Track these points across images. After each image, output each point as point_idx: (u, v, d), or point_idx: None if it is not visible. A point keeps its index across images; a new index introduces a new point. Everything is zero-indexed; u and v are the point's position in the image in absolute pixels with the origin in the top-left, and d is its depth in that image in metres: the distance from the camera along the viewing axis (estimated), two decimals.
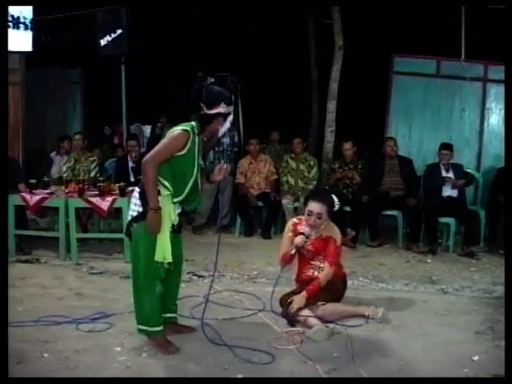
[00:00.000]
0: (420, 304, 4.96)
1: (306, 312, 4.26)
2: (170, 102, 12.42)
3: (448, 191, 7.28)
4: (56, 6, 8.77)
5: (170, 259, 3.76)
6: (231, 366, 3.57)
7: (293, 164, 8.25)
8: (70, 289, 5.23)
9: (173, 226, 3.83)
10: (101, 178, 7.06)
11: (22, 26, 8.37)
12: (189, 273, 5.72)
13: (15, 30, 8.29)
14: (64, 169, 8.06)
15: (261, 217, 8.36)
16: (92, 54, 9.02)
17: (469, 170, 7.77)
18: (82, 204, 6.44)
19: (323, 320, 4.26)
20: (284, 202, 7.88)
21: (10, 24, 8.19)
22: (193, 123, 3.82)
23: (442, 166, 7.34)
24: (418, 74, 8.63)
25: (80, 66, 10.83)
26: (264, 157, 8.52)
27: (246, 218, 8.10)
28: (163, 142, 3.75)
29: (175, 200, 3.79)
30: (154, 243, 3.72)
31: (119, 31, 8.67)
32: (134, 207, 3.81)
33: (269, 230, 7.90)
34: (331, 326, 4.20)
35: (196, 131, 3.81)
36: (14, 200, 6.40)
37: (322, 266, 4.53)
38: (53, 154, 9.07)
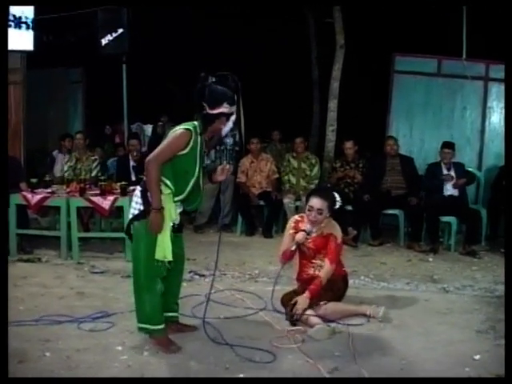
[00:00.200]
0: (421, 303, 4.95)
1: (308, 312, 4.26)
2: (171, 101, 12.45)
3: (449, 190, 7.28)
4: (57, 6, 8.78)
5: (170, 258, 3.77)
6: (233, 365, 3.57)
7: (294, 163, 8.25)
8: (71, 288, 5.24)
9: (174, 225, 3.83)
10: (102, 178, 7.06)
11: (23, 25, 8.38)
12: (190, 272, 5.72)
13: (17, 30, 8.30)
14: (65, 168, 8.06)
15: (262, 216, 8.35)
16: (93, 53, 9.03)
17: (470, 169, 7.77)
18: (83, 203, 6.44)
19: (325, 319, 4.25)
20: (285, 201, 7.88)
21: (12, 24, 8.20)
22: (195, 122, 3.82)
23: (443, 165, 7.34)
24: (419, 72, 8.62)
25: (81, 65, 10.84)
26: (265, 156, 8.52)
27: (248, 217, 8.09)
28: (166, 141, 3.76)
29: (176, 199, 3.79)
30: (155, 242, 3.73)
31: (120, 30, 8.67)
32: (136, 205, 3.82)
33: (270, 229, 7.90)
34: (333, 325, 4.20)
35: (198, 131, 3.81)
36: (15, 199, 6.41)
37: (323, 264, 4.53)
38: (55, 153, 9.09)
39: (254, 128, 8.33)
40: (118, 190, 6.48)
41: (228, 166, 4.12)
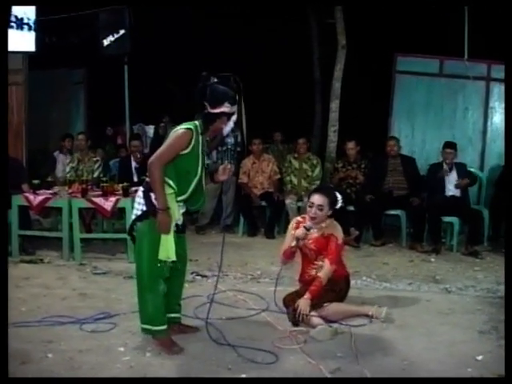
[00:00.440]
0: (424, 303, 4.95)
1: (310, 313, 4.26)
2: (173, 101, 12.44)
3: (451, 190, 7.28)
4: (59, 7, 8.79)
5: (174, 258, 3.77)
6: (235, 366, 3.57)
7: (296, 164, 8.25)
8: (73, 289, 5.24)
9: (177, 225, 3.84)
10: (104, 179, 7.06)
11: (25, 26, 8.39)
12: (192, 273, 5.73)
13: (19, 31, 8.31)
14: (67, 169, 8.06)
15: (264, 216, 8.36)
16: (95, 54, 9.03)
17: (472, 170, 7.77)
18: (85, 204, 6.45)
19: (327, 320, 4.26)
20: (287, 201, 7.88)
21: (14, 25, 8.22)
22: (196, 122, 3.82)
23: (445, 165, 7.33)
24: (420, 73, 8.62)
25: (83, 66, 10.84)
26: (267, 156, 8.52)
27: (250, 217, 8.10)
28: (167, 142, 3.76)
29: (179, 199, 3.80)
30: (158, 242, 3.73)
31: (122, 31, 8.67)
32: (138, 206, 3.82)
33: (272, 229, 7.90)
34: (335, 325, 4.20)
35: (199, 130, 3.81)
36: (17, 200, 6.42)
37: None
38: (56, 153, 9.11)
39: (256, 129, 8.35)
40: (120, 191, 6.48)
41: (230, 166, 4.12)
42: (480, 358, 3.72)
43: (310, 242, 4.53)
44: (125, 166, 7.98)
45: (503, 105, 8.20)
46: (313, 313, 4.25)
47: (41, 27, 8.60)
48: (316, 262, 4.56)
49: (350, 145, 7.91)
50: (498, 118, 8.43)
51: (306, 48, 11.94)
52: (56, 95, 10.77)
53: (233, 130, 3.94)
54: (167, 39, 11.63)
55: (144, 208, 3.78)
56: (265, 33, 11.91)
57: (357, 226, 7.25)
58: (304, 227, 4.48)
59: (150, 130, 11.34)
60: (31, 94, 8.84)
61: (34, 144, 9.14)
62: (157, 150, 3.76)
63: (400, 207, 7.38)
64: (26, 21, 8.37)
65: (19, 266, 6.09)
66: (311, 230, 4.51)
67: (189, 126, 3.76)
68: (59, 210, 6.64)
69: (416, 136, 8.68)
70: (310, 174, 8.19)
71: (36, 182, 6.72)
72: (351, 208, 7.38)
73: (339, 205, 4.59)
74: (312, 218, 4.50)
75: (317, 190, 4.66)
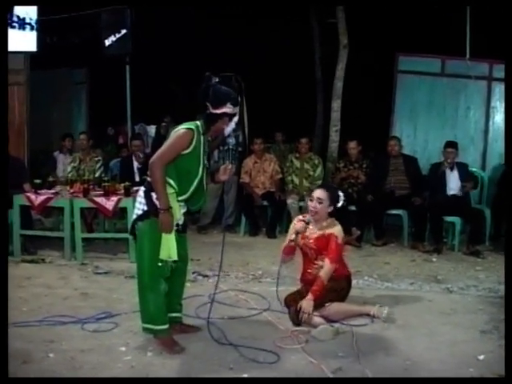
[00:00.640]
0: (425, 303, 4.95)
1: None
2: (175, 101, 12.44)
3: (453, 190, 7.27)
4: (60, 7, 8.79)
5: (175, 257, 3.78)
6: (236, 366, 3.57)
7: (297, 163, 8.24)
8: (75, 289, 5.24)
9: (178, 225, 3.84)
10: (106, 178, 7.06)
11: (27, 26, 8.39)
12: (194, 272, 5.73)
13: (21, 31, 8.31)
14: (69, 169, 8.06)
15: (266, 216, 8.36)
16: (97, 54, 9.04)
17: (474, 169, 7.76)
18: (86, 204, 6.45)
19: (328, 319, 4.26)
20: (289, 201, 7.87)
21: (16, 25, 8.22)
22: (197, 122, 3.83)
23: (446, 165, 7.31)
24: (422, 72, 8.61)
25: (85, 66, 10.85)
26: (269, 156, 8.51)
27: (251, 217, 8.10)
28: (168, 141, 3.77)
29: (180, 198, 3.81)
30: (159, 241, 3.74)
31: (123, 31, 8.67)
32: (139, 206, 3.83)
33: (274, 229, 7.89)
34: (336, 325, 4.20)
35: (201, 130, 3.82)
36: (19, 200, 6.42)
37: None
38: (56, 153, 9.10)
39: (258, 128, 8.35)
40: (122, 191, 6.48)
41: (230, 166, 4.13)
42: (482, 357, 3.72)
43: (311, 241, 4.53)
44: (126, 166, 7.98)
45: None
46: (314, 312, 4.25)
47: (42, 27, 8.61)
48: (316, 262, 4.55)
49: (352, 144, 7.90)
50: (499, 117, 8.42)
51: (308, 48, 11.94)
52: (58, 95, 10.78)
53: (234, 130, 3.95)
54: (169, 39, 11.63)
55: (145, 208, 3.79)
56: (267, 33, 11.92)
57: (358, 225, 7.25)
58: (303, 221, 4.50)
59: (152, 129, 11.34)
60: (33, 94, 8.84)
61: (35, 144, 9.15)
62: (158, 149, 3.77)
63: (402, 207, 7.37)
64: (27, 21, 8.38)
65: (21, 265, 6.10)
66: (310, 224, 4.53)
67: (190, 126, 3.77)
68: (61, 209, 6.64)
69: (418, 135, 8.67)
70: (311, 173, 8.19)
71: (38, 181, 6.72)
72: (353, 208, 7.37)
73: (341, 202, 4.60)
74: (312, 212, 4.51)
75: (318, 186, 4.74)
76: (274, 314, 4.53)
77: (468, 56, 8.31)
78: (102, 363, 3.60)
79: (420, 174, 7.73)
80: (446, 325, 4.39)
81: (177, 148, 3.74)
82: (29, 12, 8.37)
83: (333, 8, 8.88)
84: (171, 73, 12.23)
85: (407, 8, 9.39)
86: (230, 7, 10.11)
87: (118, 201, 6.31)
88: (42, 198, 6.42)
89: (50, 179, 7.14)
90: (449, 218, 7.13)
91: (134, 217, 3.88)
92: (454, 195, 7.26)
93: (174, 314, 4.06)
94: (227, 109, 3.82)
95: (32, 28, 8.42)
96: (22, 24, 8.32)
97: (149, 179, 3.79)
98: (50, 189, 6.73)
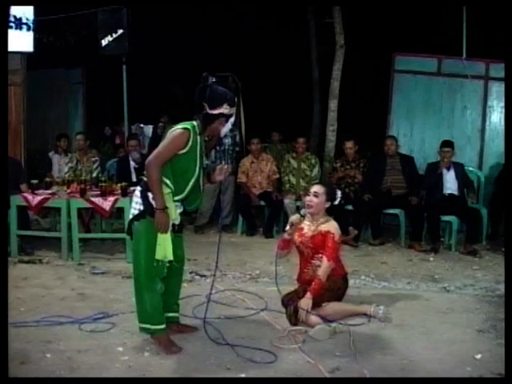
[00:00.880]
0: (422, 302, 4.95)
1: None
2: (172, 102, 12.45)
3: (450, 189, 7.28)
4: (57, 6, 8.79)
5: (171, 257, 3.78)
6: (234, 366, 3.57)
7: (294, 163, 8.25)
8: (72, 289, 5.24)
9: (174, 225, 3.84)
10: (103, 178, 7.06)
11: (24, 26, 8.38)
12: (191, 272, 5.73)
13: (17, 31, 8.30)
14: (66, 169, 8.05)
15: (263, 216, 8.36)
16: (93, 54, 9.03)
17: (471, 168, 7.78)
18: (83, 204, 6.44)
19: (325, 319, 4.25)
20: (286, 201, 7.88)
21: (13, 25, 8.20)
22: (194, 122, 3.83)
23: (442, 164, 7.32)
24: (419, 72, 8.61)
25: (82, 66, 10.84)
26: (266, 156, 8.51)
27: (248, 217, 8.10)
28: (165, 141, 3.77)
29: (176, 198, 3.81)
30: (155, 241, 3.74)
31: (120, 31, 8.64)
32: (136, 206, 3.83)
33: (271, 229, 7.89)
34: (333, 324, 4.19)
35: (197, 130, 3.82)
36: (16, 201, 6.41)
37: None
38: (51, 154, 9.07)
39: (254, 128, 8.34)
40: (119, 191, 6.47)
41: (226, 166, 4.14)
42: (479, 356, 3.73)
43: (307, 239, 4.53)
44: (123, 166, 7.97)
45: (501, 104, 8.23)
46: (312, 312, 4.25)
47: (39, 27, 8.60)
48: (313, 261, 4.54)
49: (349, 144, 7.90)
50: (496, 116, 8.43)
51: (305, 47, 11.95)
52: (54, 95, 10.79)
53: (231, 130, 3.95)
54: (166, 39, 11.63)
55: (141, 207, 3.79)
56: (264, 33, 11.93)
57: (355, 225, 7.26)
58: (299, 213, 4.56)
59: (149, 130, 11.33)
60: (29, 94, 8.84)
61: (32, 144, 9.14)
62: (155, 149, 3.77)
63: (398, 206, 7.38)
64: (24, 21, 8.36)
65: (18, 266, 6.09)
66: (307, 220, 4.57)
67: (186, 126, 3.77)
68: (58, 210, 6.64)
69: (415, 135, 8.67)
70: (308, 173, 8.19)
71: (34, 182, 6.71)
72: (350, 207, 7.38)
73: (338, 200, 4.61)
74: (308, 206, 4.53)
75: (316, 183, 4.76)
76: (271, 314, 4.53)
77: (464, 55, 8.32)
78: (99, 363, 3.59)
79: (417, 174, 7.73)
80: (443, 324, 4.39)
81: (173, 148, 3.73)
82: (25, 12, 8.34)
83: (329, 8, 8.88)
84: (168, 73, 12.24)
85: (404, 8, 9.41)
86: (226, 7, 10.12)
87: (115, 201, 6.31)
88: (38, 198, 6.41)
89: (47, 179, 7.12)
90: (446, 218, 7.13)
91: (131, 216, 3.88)
92: (451, 194, 7.27)
93: (170, 314, 4.06)
94: (224, 109, 3.83)
95: (28, 28, 8.40)
96: (19, 24, 8.30)
97: (145, 179, 3.79)
98: (46, 189, 6.72)
